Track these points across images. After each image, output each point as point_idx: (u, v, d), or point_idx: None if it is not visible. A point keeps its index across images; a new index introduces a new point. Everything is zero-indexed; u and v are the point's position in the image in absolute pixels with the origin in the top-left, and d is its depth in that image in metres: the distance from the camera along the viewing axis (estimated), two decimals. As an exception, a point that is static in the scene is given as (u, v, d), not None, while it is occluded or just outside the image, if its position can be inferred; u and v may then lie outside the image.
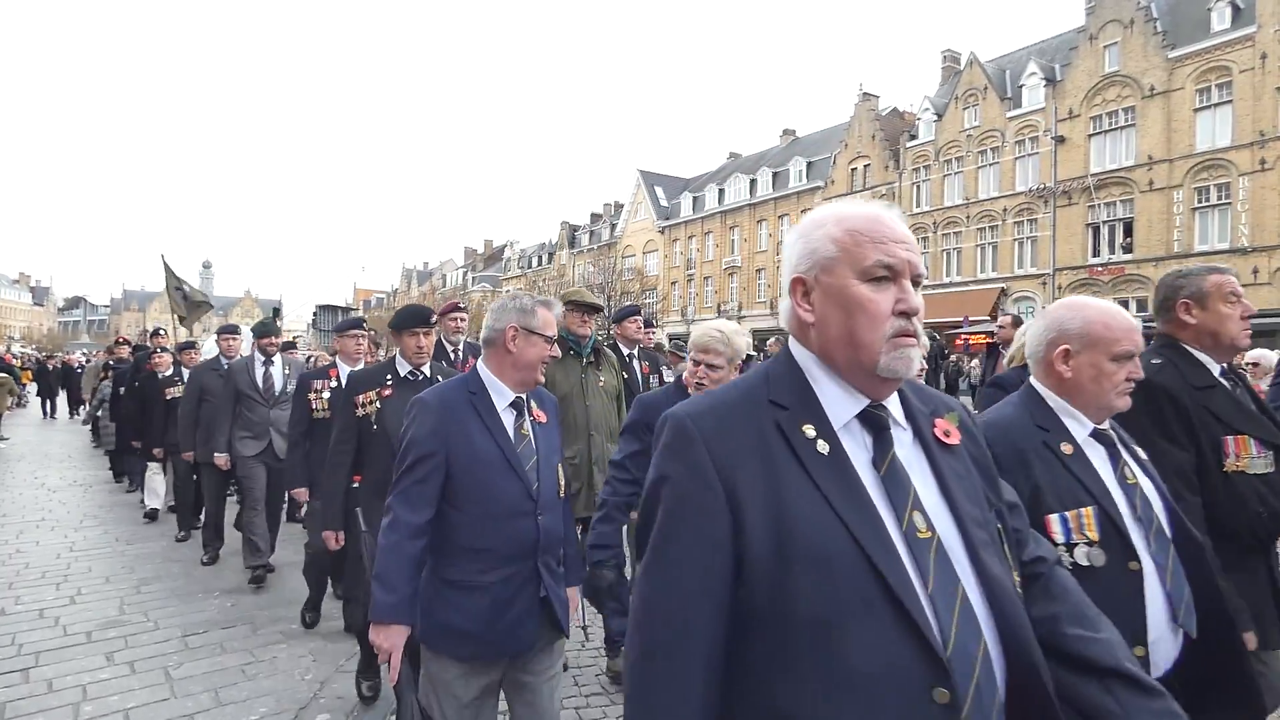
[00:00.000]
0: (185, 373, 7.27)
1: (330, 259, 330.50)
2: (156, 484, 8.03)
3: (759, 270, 42.30)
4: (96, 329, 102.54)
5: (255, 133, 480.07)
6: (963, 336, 27.30)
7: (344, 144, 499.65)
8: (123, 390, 8.96)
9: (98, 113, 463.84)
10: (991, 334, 7.76)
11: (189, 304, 11.40)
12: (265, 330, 6.12)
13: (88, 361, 20.36)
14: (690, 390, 2.91)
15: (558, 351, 2.75)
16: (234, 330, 6.76)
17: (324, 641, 4.57)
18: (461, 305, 5.85)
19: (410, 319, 3.64)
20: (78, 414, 19.96)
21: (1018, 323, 7.12)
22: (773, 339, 12.15)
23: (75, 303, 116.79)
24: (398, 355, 3.70)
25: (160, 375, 7.67)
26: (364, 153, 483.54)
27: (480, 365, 2.36)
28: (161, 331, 9.66)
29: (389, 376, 3.65)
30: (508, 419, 2.30)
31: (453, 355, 5.53)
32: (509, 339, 2.28)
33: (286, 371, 6.00)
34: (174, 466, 7.36)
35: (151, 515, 7.93)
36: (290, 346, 10.32)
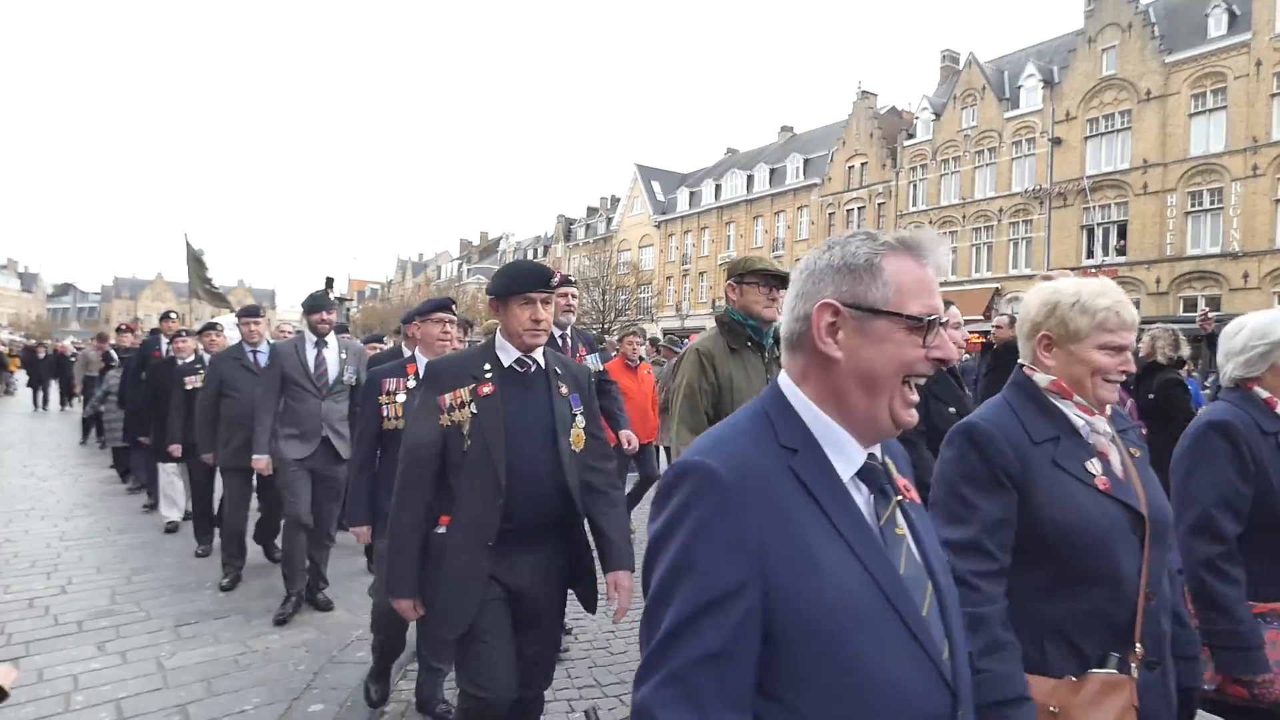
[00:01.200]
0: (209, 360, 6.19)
1: (324, 249, 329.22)
2: (174, 490, 7.13)
3: (754, 267, 42.25)
4: (86, 316, 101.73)
5: (249, 121, 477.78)
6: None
7: (339, 133, 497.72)
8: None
9: (87, 98, 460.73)
10: (985, 334, 7.80)
11: (209, 292, 10.80)
12: (316, 304, 4.94)
13: (79, 350, 19.89)
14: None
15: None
16: (255, 313, 5.78)
17: (317, 632, 4.56)
18: (571, 279, 4.68)
19: (525, 279, 2.48)
20: (70, 405, 19.36)
21: (1013, 322, 7.15)
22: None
23: (64, 290, 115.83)
24: (497, 336, 2.56)
25: (180, 362, 6.71)
26: (359, 142, 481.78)
27: (789, 388, 1.12)
28: (172, 315, 8.69)
29: (487, 367, 2.51)
30: (864, 506, 1.07)
31: (560, 341, 4.45)
32: (823, 331, 1.07)
33: (343, 356, 4.98)
34: (190, 470, 6.44)
35: (172, 528, 6.97)
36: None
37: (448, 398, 2.45)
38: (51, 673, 3.92)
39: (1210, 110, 24.80)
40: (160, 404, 6.80)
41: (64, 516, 7.50)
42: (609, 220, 55.06)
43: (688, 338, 21.49)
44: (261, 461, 4.79)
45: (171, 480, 7.10)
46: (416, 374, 3.46)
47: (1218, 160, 24.45)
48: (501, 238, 72.20)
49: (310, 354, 4.87)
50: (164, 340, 8.05)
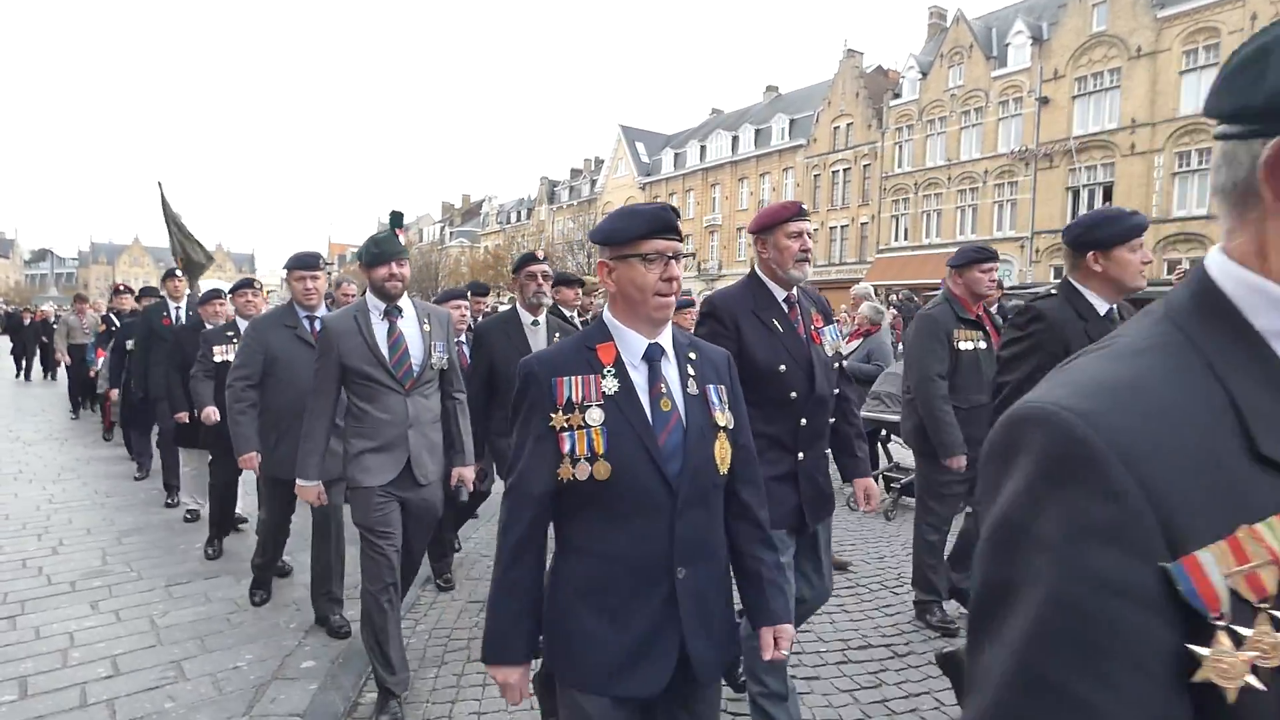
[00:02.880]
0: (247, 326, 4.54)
1: (303, 213, 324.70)
2: (192, 484, 6.23)
3: (740, 229, 42.17)
4: (64, 282, 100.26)
5: (225, 82, 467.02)
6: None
7: (317, 95, 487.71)
8: (130, 346, 7.29)
9: (60, 62, 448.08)
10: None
11: (187, 260, 9.38)
12: (384, 252, 3.25)
13: (59, 316, 19.35)
14: None
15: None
16: (312, 264, 4.23)
17: (306, 591, 4.62)
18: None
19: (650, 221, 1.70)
20: (53, 376, 18.20)
21: (998, 285, 7.22)
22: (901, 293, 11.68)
23: (42, 255, 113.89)
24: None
25: (208, 326, 5.55)
26: (338, 104, 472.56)
27: None
28: (177, 274, 7.32)
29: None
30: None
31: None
32: None
33: (426, 327, 3.37)
34: (213, 469, 5.23)
35: (193, 517, 6.11)
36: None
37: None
38: (47, 630, 3.98)
39: (1202, 67, 24.67)
40: (185, 379, 5.58)
41: (51, 480, 7.51)
42: (593, 182, 54.56)
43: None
44: (311, 490, 3.33)
45: (188, 474, 6.21)
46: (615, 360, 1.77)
47: (1207, 120, 24.24)
48: (484, 200, 71.42)
49: (379, 329, 3.28)
50: (172, 304, 6.96)
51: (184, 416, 5.75)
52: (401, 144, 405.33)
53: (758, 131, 41.79)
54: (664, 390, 1.69)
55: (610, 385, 1.66)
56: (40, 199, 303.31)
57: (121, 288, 9.72)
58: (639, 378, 1.69)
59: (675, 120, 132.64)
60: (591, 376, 1.67)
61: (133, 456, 8.10)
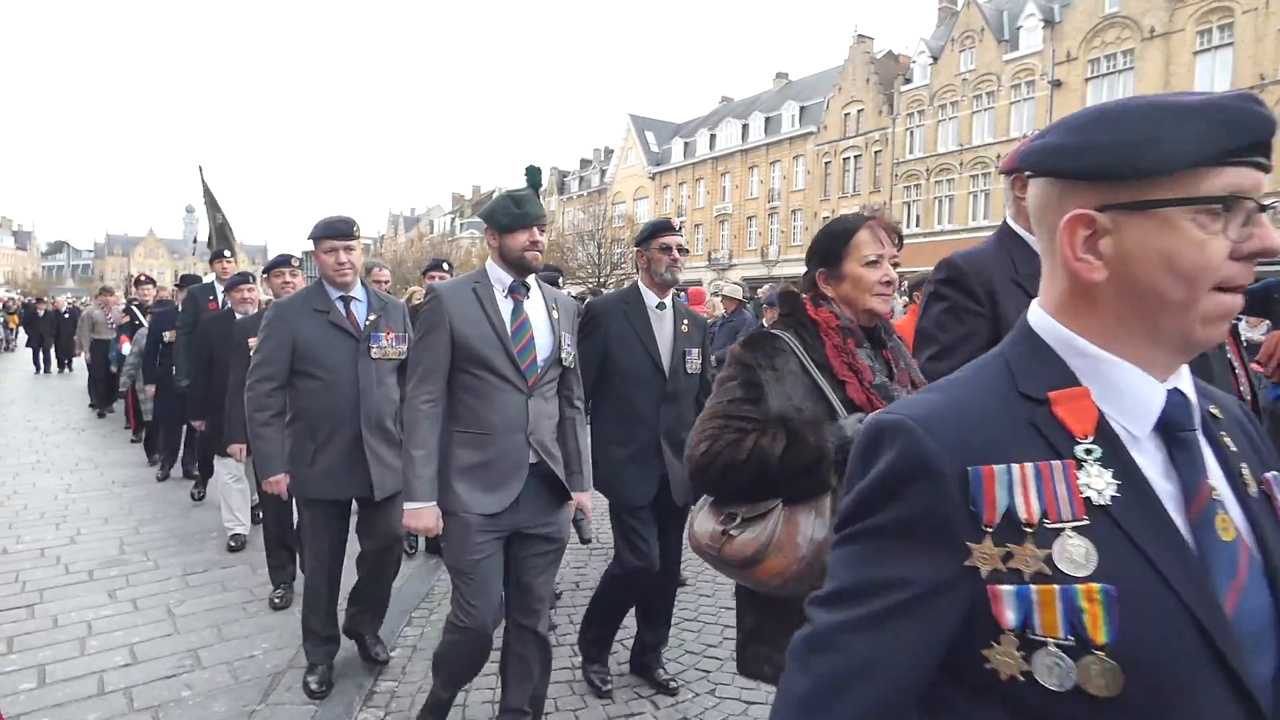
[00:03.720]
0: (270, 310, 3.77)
1: (314, 204, 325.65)
2: (235, 498, 5.24)
3: (750, 218, 41.98)
4: (80, 274, 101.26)
5: (238, 76, 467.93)
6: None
7: (328, 88, 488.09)
8: (169, 337, 6.87)
9: (79, 55, 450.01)
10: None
11: (228, 245, 8.44)
12: (526, 214, 2.56)
13: (72, 306, 18.51)
14: None
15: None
16: (345, 233, 3.30)
17: (323, 579, 4.66)
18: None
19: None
20: (69, 368, 17.89)
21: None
22: (765, 286, 11.99)
23: (58, 247, 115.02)
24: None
25: (241, 315, 4.89)
26: (348, 96, 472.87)
27: None
28: (225, 254, 6.73)
29: None
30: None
31: None
32: None
33: (554, 314, 2.69)
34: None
35: (238, 545, 5.16)
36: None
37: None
38: (65, 619, 4.01)
39: (1216, 47, 24.33)
40: (218, 375, 4.96)
41: (69, 470, 7.58)
42: (603, 172, 54.42)
43: (684, 292, 21.38)
44: (429, 517, 2.51)
45: (230, 486, 5.26)
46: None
47: (1221, 102, 24.12)
48: (494, 191, 71.36)
49: (505, 308, 2.59)
50: (219, 289, 6.21)
51: (200, 424, 5.47)
52: (412, 135, 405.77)
53: (768, 119, 41.51)
54: (1211, 492, 0.80)
55: (1100, 483, 0.77)
56: (57, 192, 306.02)
57: (143, 278, 9.23)
58: (1153, 465, 0.80)
59: (685, 109, 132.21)
60: (1055, 464, 0.78)
61: (153, 459, 7.77)
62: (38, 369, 18.54)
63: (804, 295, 1.99)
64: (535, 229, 2.55)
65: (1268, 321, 7.02)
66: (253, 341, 3.82)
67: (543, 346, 2.61)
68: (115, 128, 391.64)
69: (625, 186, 51.36)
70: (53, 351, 18.39)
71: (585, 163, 58.96)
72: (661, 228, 3.32)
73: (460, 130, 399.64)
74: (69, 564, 4.86)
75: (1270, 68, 23.07)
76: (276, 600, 4.24)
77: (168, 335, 6.95)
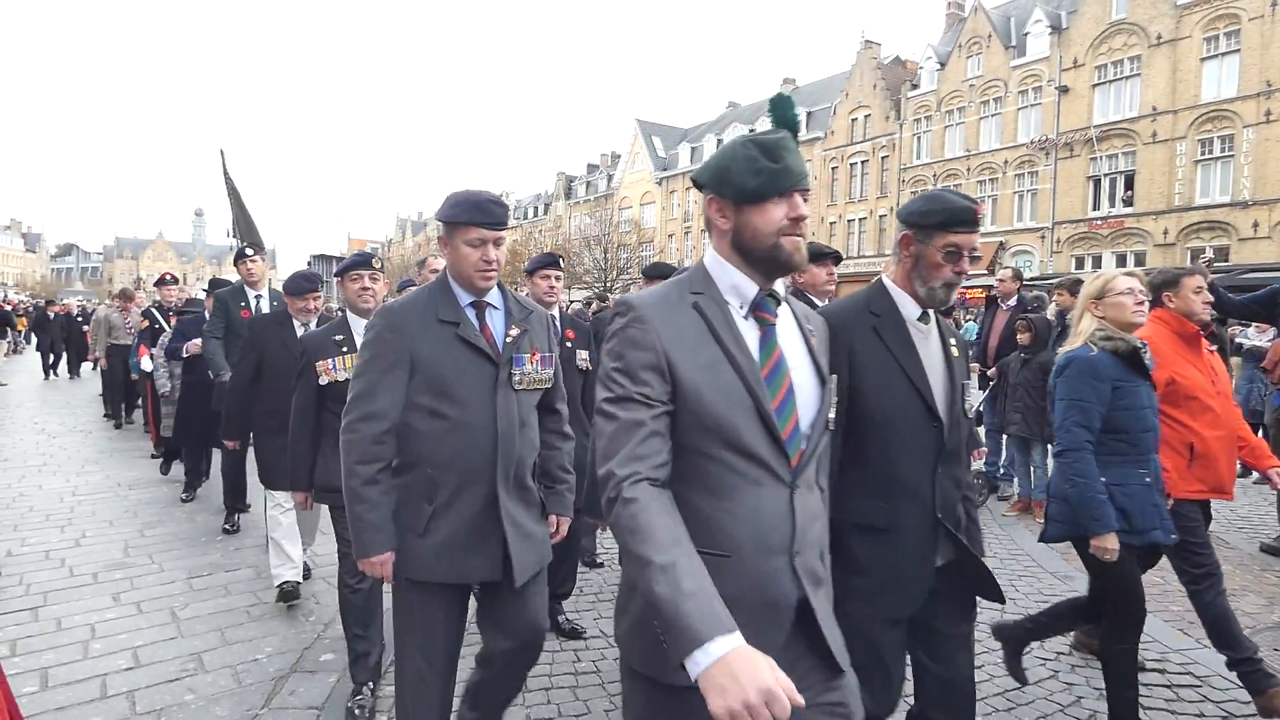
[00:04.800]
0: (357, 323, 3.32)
1: (323, 208, 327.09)
2: (288, 539, 4.24)
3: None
4: (90, 276, 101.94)
5: (248, 81, 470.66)
6: (960, 291, 27.23)
7: (335, 92, 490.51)
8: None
9: (88, 57, 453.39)
10: (989, 288, 7.74)
11: (253, 239, 8.00)
12: (784, 169, 1.59)
13: (83, 309, 18.33)
14: None
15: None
16: (366, 264, 3.38)
17: (327, 585, 4.64)
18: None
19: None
20: (78, 374, 17.34)
21: (1018, 276, 7.11)
22: None
23: (67, 250, 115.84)
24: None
25: (300, 325, 4.15)
26: (356, 101, 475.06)
27: None
28: (249, 254, 5.75)
29: None
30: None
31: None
32: None
33: (813, 343, 1.68)
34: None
35: (290, 593, 4.21)
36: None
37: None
38: (69, 622, 4.01)
39: (1223, 54, 24.31)
40: (265, 392, 4.17)
41: (75, 472, 7.60)
42: (610, 177, 54.53)
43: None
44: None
45: (279, 521, 4.27)
46: None
47: (1230, 106, 24.05)
48: (501, 195, 71.42)
49: (750, 337, 1.61)
50: (251, 292, 5.55)
51: (233, 444, 4.63)
52: (419, 140, 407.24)
53: (774, 124, 41.43)
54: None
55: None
56: (66, 194, 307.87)
57: (168, 276, 8.25)
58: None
59: (692, 114, 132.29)
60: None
61: (167, 468, 7.41)
62: (47, 375, 17.92)
63: None
64: (797, 196, 1.56)
65: (1274, 329, 7.02)
66: (324, 364, 3.22)
67: (807, 403, 1.57)
68: (124, 130, 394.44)
69: (632, 191, 51.43)
70: (64, 356, 17.76)
71: (592, 167, 59.10)
72: (963, 217, 2.04)
73: (468, 136, 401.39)
74: (73, 567, 4.86)
75: (1277, 74, 23.00)
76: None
77: (189, 348, 6.14)
